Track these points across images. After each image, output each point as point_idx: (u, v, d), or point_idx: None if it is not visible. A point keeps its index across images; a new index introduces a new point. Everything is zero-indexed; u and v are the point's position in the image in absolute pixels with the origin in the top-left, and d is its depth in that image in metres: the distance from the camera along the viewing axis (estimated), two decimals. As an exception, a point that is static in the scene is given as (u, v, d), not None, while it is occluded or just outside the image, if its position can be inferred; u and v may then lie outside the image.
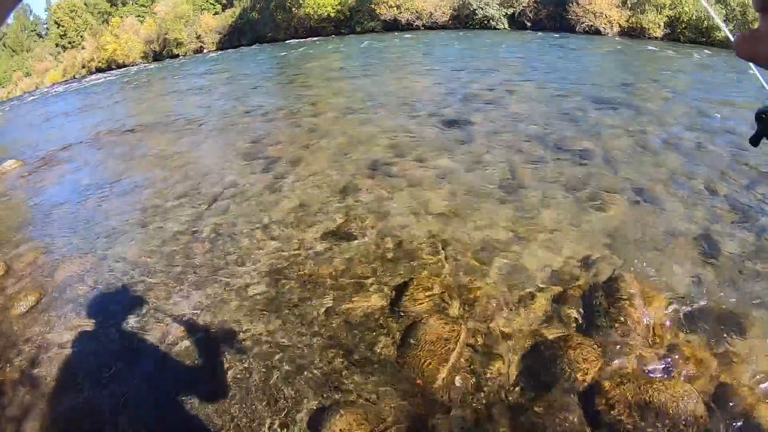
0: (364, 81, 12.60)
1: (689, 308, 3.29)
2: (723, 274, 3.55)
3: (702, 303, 3.32)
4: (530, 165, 5.56)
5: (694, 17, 31.82)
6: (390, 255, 3.87)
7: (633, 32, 31.19)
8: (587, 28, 30.49)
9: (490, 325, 3.16)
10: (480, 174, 5.34)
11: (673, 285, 3.43)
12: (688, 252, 3.78)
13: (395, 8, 31.86)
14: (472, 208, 4.54)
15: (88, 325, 3.58)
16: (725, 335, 3.13)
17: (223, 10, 44.21)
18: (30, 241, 5.49)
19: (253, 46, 35.07)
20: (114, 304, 3.80)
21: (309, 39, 32.45)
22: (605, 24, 30.87)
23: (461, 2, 31.33)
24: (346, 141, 6.98)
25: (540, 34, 28.04)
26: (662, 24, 31.83)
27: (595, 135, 6.58)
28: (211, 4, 45.47)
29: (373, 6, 32.16)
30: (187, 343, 3.25)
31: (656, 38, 31.14)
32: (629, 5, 31.66)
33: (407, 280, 3.56)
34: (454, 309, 3.28)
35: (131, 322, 3.56)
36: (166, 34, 43.43)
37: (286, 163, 6.34)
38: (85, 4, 60.65)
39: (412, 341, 3.03)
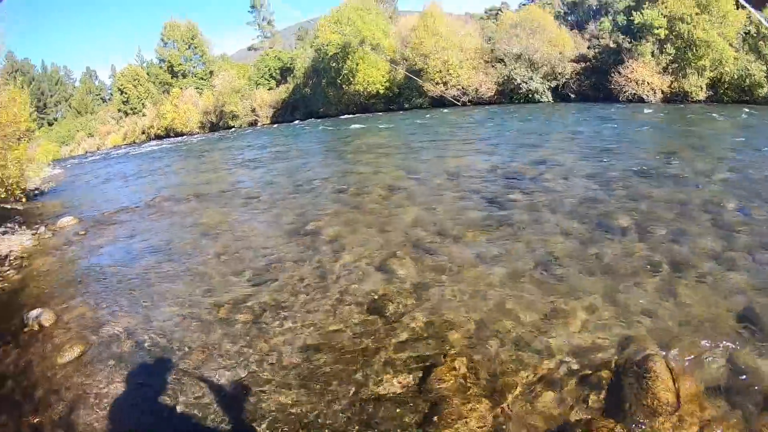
0: (409, 158, 13.01)
1: (724, 391, 3.15)
2: (765, 354, 3.40)
3: (738, 385, 3.18)
4: (568, 242, 5.66)
5: (735, 77, 32.15)
6: (421, 333, 4.05)
7: (676, 97, 31.55)
8: (630, 97, 31.02)
9: (514, 407, 3.16)
10: (517, 253, 5.50)
11: (708, 367, 3.32)
12: (727, 332, 3.65)
13: (442, 85, 33.46)
14: (506, 287, 4.68)
15: (126, 381, 3.87)
16: (764, 421, 2.96)
17: (278, 85, 46.96)
18: (80, 296, 5.76)
19: (306, 121, 37.17)
20: (153, 365, 4.07)
21: (359, 115, 34.18)
22: (648, 91, 31.37)
23: (506, 77, 32.85)
24: (389, 218, 7.25)
25: (583, 105, 28.48)
26: (704, 86, 32.15)
27: (634, 209, 6.62)
28: (266, 79, 48.30)
29: (420, 83, 33.78)
30: (219, 408, 3.42)
31: (699, 101, 31.44)
32: (671, 71, 32.20)
33: (435, 359, 3.65)
34: (479, 389, 3.32)
35: (167, 383, 3.76)
36: (222, 106, 46.27)
37: (329, 240, 6.61)
38: (148, 74, 64.99)
39: (434, 419, 3.11)
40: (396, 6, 57.04)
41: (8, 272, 7.08)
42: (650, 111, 23.74)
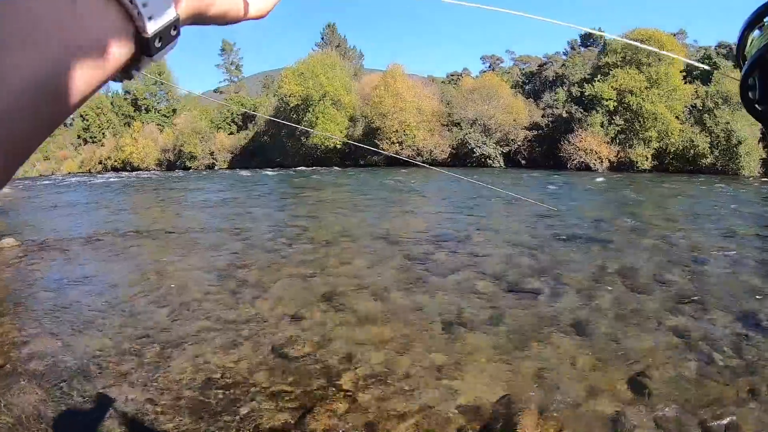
0: (350, 215, 13.24)
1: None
2: (651, 410, 3.53)
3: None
4: (479, 302, 5.79)
5: (680, 148, 33.78)
6: (313, 375, 4.27)
7: (622, 166, 32.75)
8: (579, 165, 32.07)
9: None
10: (426, 309, 5.63)
11: (587, 423, 3.44)
12: (615, 389, 3.81)
13: (397, 144, 34.03)
14: (406, 341, 4.84)
15: (37, 396, 4.10)
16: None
17: (238, 131, 46.86)
18: (8, 316, 6.01)
19: (262, 170, 36.84)
20: (64, 385, 4.28)
21: (314, 168, 34.20)
22: (595, 160, 32.50)
23: (460, 141, 33.66)
24: (313, 271, 7.44)
25: (533, 171, 29.21)
26: (650, 156, 33.63)
27: (551, 273, 6.81)
28: (227, 124, 48.22)
29: (377, 141, 34.31)
30: (117, 429, 3.70)
31: (645, 170, 32.80)
32: (618, 141, 33.57)
33: (319, 399, 3.88)
34: (350, 430, 3.52)
35: (72, 402, 4.02)
36: (182, 146, 45.86)
37: (253, 285, 6.91)
38: (111, 103, 64.02)
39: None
40: (362, 63, 58.78)
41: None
42: (596, 178, 24.62)
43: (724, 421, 3.34)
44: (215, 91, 77.87)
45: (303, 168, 35.14)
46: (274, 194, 21.09)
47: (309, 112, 36.68)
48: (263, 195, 20.56)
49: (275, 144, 39.59)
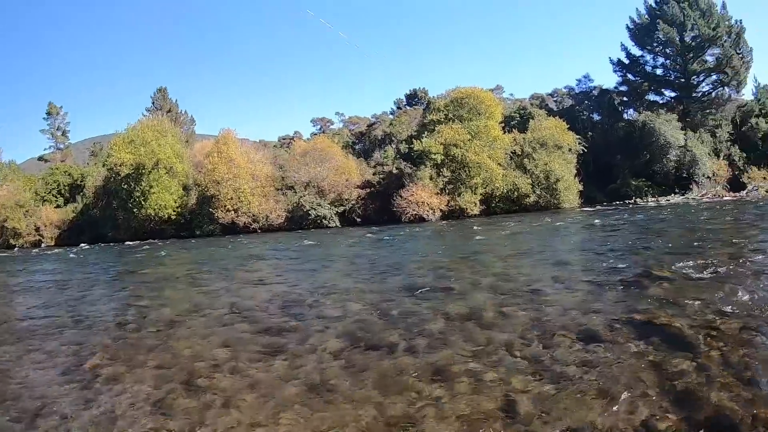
0: (194, 290, 12.96)
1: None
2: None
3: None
4: (339, 364, 5.93)
5: (505, 191, 37.32)
6: None
7: (454, 213, 35.38)
8: (412, 217, 34.02)
9: None
10: (290, 381, 5.63)
11: None
12: (487, 420, 4.06)
13: (233, 212, 33.86)
14: (275, 414, 4.84)
15: None
16: None
17: (65, 203, 43.47)
18: None
19: (93, 245, 34.48)
20: None
21: (149, 241, 32.79)
22: (428, 211, 34.80)
23: (295, 205, 34.36)
24: (166, 355, 7.15)
25: (368, 228, 30.55)
26: (478, 202, 36.72)
27: (404, 325, 6.96)
28: (53, 196, 44.68)
29: (212, 210, 33.93)
30: None
31: (475, 215, 35.70)
32: (447, 191, 36.23)
33: None
34: None
35: None
36: (4, 221, 41.69)
37: (105, 379, 6.41)
38: None
39: None
40: (194, 129, 58.30)
41: None
42: (429, 228, 26.68)
43: (589, 427, 3.75)
44: (39, 158, 71.24)
45: (138, 241, 33.49)
46: (110, 272, 19.98)
47: (142, 181, 35.35)
48: (98, 274, 19.39)
49: (106, 216, 37.22)
